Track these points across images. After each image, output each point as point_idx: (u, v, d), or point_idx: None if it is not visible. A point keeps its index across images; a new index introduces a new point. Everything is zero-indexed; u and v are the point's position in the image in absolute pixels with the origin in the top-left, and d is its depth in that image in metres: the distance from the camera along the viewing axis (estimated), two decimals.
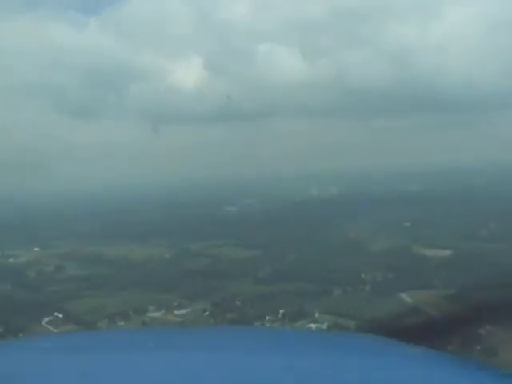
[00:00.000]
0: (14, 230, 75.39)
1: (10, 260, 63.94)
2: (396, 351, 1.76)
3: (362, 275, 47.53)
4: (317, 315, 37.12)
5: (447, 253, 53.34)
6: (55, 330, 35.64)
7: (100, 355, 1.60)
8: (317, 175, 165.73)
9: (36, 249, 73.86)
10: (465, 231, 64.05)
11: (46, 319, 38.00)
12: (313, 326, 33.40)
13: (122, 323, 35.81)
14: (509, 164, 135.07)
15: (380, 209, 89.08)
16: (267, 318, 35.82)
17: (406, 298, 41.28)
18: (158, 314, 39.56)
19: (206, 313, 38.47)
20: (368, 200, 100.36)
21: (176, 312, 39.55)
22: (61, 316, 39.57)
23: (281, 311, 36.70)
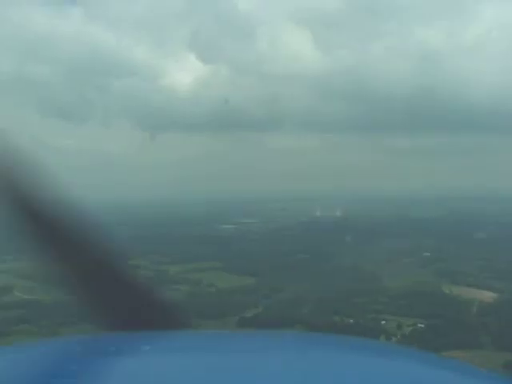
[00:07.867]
0: None
1: None
2: (397, 354, 1.73)
3: (383, 322, 36.44)
4: None
5: (490, 295, 42.10)
6: None
7: (98, 359, 1.59)
8: (321, 195, 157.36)
9: None
10: (501, 267, 52.41)
11: None
12: None
13: None
14: None
15: (393, 235, 78.67)
16: None
17: None
18: None
19: None
20: (378, 224, 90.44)
21: None
22: None
23: None
